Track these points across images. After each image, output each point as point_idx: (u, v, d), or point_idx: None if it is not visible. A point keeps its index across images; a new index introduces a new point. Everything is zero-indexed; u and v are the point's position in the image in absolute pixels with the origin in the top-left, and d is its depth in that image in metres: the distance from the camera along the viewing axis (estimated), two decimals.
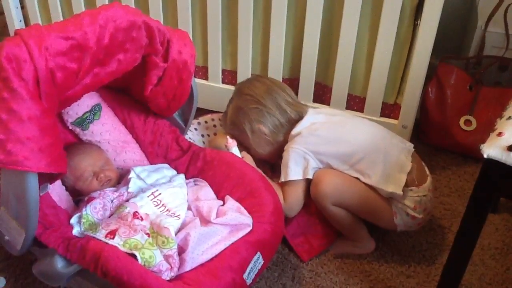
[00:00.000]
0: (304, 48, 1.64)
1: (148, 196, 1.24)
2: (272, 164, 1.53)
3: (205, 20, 1.73)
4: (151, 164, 1.40)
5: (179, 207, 1.23)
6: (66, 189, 1.26)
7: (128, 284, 0.99)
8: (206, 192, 1.29)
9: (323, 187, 1.30)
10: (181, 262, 1.10)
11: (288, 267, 1.36)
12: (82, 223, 1.16)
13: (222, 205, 1.24)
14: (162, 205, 1.23)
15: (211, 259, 1.11)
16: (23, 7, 2.07)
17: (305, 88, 1.71)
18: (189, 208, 1.26)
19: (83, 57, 1.02)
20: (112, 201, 1.24)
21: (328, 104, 1.72)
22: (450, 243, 1.13)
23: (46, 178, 1.06)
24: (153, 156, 1.41)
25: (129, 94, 1.42)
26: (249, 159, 1.43)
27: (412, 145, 1.40)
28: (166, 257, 1.09)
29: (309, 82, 1.70)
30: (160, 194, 1.25)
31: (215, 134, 1.66)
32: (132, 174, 1.31)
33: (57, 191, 1.22)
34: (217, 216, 1.19)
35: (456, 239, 0.99)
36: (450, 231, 1.47)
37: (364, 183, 1.31)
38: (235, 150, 1.40)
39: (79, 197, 1.28)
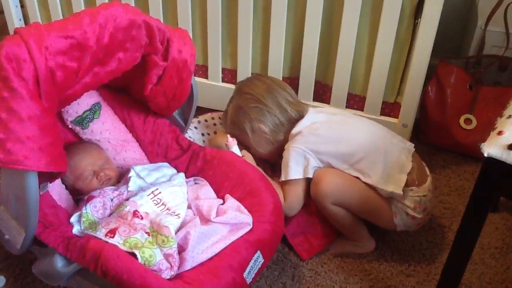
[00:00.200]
0: (304, 47, 1.64)
1: (148, 195, 1.24)
2: (272, 163, 1.53)
3: (205, 19, 1.73)
4: (151, 163, 1.40)
5: (179, 206, 1.23)
6: (66, 188, 1.26)
7: (128, 283, 0.99)
8: (206, 191, 1.29)
9: (323, 186, 1.30)
10: (181, 261, 1.10)
11: (288, 266, 1.36)
12: (82, 222, 1.16)
13: (222, 204, 1.24)
14: (162, 204, 1.23)
15: (211, 258, 1.11)
16: (22, 5, 2.07)
17: (305, 87, 1.71)
18: (189, 207, 1.26)
19: (83, 56, 1.01)
20: (112, 200, 1.24)
21: (328, 103, 1.72)
22: (450, 242, 1.13)
23: (46, 177, 1.06)
24: (153, 155, 1.41)
25: (129, 93, 1.42)
26: (249, 158, 1.43)
27: (413, 145, 1.40)
28: (166, 256, 1.09)
29: (309, 81, 1.70)
30: (160, 193, 1.25)
31: (215, 133, 1.66)
32: (132, 173, 1.31)
33: (57, 190, 1.22)
34: (217, 215, 1.19)
35: (456, 238, 0.99)
36: (450, 230, 1.47)
37: (364, 182, 1.31)
38: (235, 149, 1.39)
39: (79, 196, 1.28)
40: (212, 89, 1.83)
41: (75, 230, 1.15)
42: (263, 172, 1.36)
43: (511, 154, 0.83)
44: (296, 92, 1.65)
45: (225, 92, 1.60)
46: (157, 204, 1.23)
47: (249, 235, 1.15)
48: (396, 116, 1.66)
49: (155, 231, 1.14)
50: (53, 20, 1.86)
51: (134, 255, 1.05)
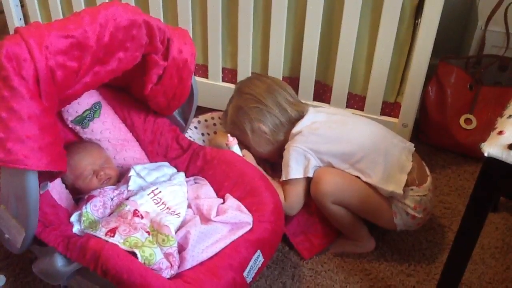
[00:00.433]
0: (304, 47, 1.64)
1: (148, 194, 1.24)
2: (272, 163, 1.53)
3: (205, 18, 1.73)
4: (151, 162, 1.40)
5: (179, 205, 1.23)
6: (66, 188, 1.26)
7: (128, 283, 0.99)
8: (206, 190, 1.29)
9: (323, 185, 1.31)
10: (181, 260, 1.10)
11: (288, 265, 1.36)
12: (82, 221, 1.16)
13: (222, 203, 1.24)
14: (162, 203, 1.23)
15: (211, 257, 1.11)
16: (23, 5, 2.07)
17: (305, 86, 1.71)
18: (189, 206, 1.26)
19: (83, 55, 1.01)
20: (112, 199, 1.24)
21: (328, 102, 1.72)
22: (450, 242, 1.13)
23: (46, 177, 1.06)
24: (153, 154, 1.41)
25: (129, 93, 1.42)
26: (250, 158, 1.43)
27: (413, 145, 1.40)
28: (166, 255, 1.09)
29: (309, 80, 1.70)
30: (160, 192, 1.25)
31: (215, 132, 1.66)
32: (132, 172, 1.31)
33: (57, 190, 1.21)
34: (217, 214, 1.19)
35: (456, 238, 0.99)
36: (450, 230, 1.47)
37: (364, 182, 1.31)
38: (236, 148, 1.40)
39: (79, 196, 1.28)
40: (212, 88, 1.83)
41: (75, 229, 1.15)
42: (264, 172, 1.36)
43: (511, 154, 0.83)
44: (296, 92, 1.65)
45: (225, 92, 1.60)
46: (157, 203, 1.23)
47: (249, 235, 1.15)
48: (396, 116, 1.66)
49: (155, 230, 1.14)
50: (53, 19, 1.86)
51: (134, 254, 1.05)
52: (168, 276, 1.06)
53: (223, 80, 1.85)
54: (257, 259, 1.12)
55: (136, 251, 1.06)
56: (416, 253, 1.40)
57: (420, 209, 1.31)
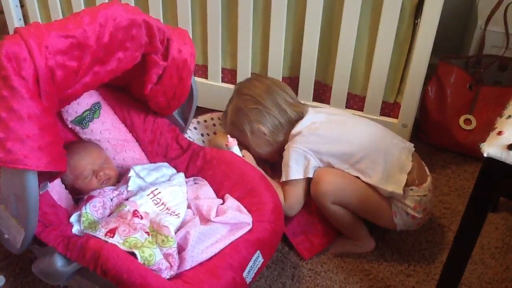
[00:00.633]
0: (304, 47, 1.64)
1: (147, 195, 1.24)
2: (272, 163, 1.53)
3: (205, 19, 1.73)
4: (151, 162, 1.40)
5: (178, 206, 1.23)
6: (66, 188, 1.26)
7: (128, 283, 0.99)
8: (206, 190, 1.29)
9: (323, 185, 1.31)
10: (181, 260, 1.10)
11: (287, 265, 1.36)
12: (81, 221, 1.16)
13: (222, 204, 1.24)
14: (162, 203, 1.23)
15: (211, 258, 1.11)
16: (22, 5, 2.07)
17: (305, 87, 1.71)
18: (189, 207, 1.26)
19: (83, 55, 1.01)
20: (111, 199, 1.24)
21: (328, 103, 1.72)
22: (450, 242, 1.13)
23: (45, 177, 1.06)
24: (153, 155, 1.41)
25: (128, 93, 1.42)
26: (249, 158, 1.43)
27: (413, 145, 1.40)
28: (166, 256, 1.09)
29: (309, 81, 1.70)
30: (159, 192, 1.25)
31: (214, 133, 1.66)
32: (131, 173, 1.31)
33: (56, 190, 1.21)
34: (217, 214, 1.19)
35: (456, 238, 0.99)
36: (449, 230, 1.47)
37: (364, 182, 1.31)
38: (235, 149, 1.40)
39: (79, 196, 1.28)
40: (211, 89, 1.83)
41: (75, 229, 1.15)
42: (263, 172, 1.36)
43: (510, 154, 0.83)
44: (296, 92, 1.65)
45: (225, 92, 1.60)
46: (156, 204, 1.23)
47: (249, 235, 1.15)
48: (396, 116, 1.66)
49: (155, 230, 1.14)
50: (53, 19, 1.86)
51: (133, 254, 1.05)
52: (167, 277, 1.06)
53: (222, 81, 1.85)
54: (257, 260, 1.12)
55: (136, 251, 1.06)
56: (415, 253, 1.40)
57: (420, 209, 1.31)
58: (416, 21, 1.54)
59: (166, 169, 1.36)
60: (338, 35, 1.58)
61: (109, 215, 1.20)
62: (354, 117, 1.49)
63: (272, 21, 1.63)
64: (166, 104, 1.33)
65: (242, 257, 1.10)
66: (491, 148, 0.84)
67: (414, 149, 1.39)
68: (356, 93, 1.70)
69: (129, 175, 1.30)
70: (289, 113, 1.43)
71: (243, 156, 1.40)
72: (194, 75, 1.55)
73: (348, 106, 1.72)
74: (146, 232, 1.13)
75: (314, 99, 1.75)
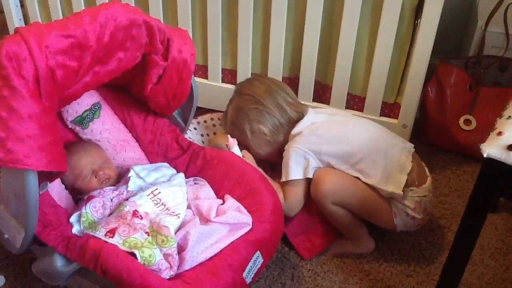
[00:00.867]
0: (304, 47, 1.64)
1: (147, 195, 1.24)
2: (272, 163, 1.53)
3: (205, 19, 1.73)
4: (150, 163, 1.40)
5: (178, 206, 1.23)
6: (66, 188, 1.26)
7: (127, 283, 0.99)
8: (206, 191, 1.29)
9: (323, 186, 1.31)
10: (181, 261, 1.10)
11: (287, 266, 1.36)
12: (81, 221, 1.16)
13: (222, 204, 1.24)
14: (162, 204, 1.23)
15: (211, 258, 1.11)
16: (22, 5, 2.06)
17: (305, 87, 1.71)
18: (188, 207, 1.26)
19: (83, 55, 1.01)
20: (111, 199, 1.24)
21: (328, 103, 1.72)
22: (450, 243, 1.13)
23: (45, 177, 1.06)
24: (153, 155, 1.41)
25: (129, 93, 1.42)
26: (249, 158, 1.43)
27: (413, 145, 1.40)
28: (166, 256, 1.09)
29: (309, 81, 1.70)
30: (159, 193, 1.25)
31: (214, 133, 1.66)
32: (131, 173, 1.31)
33: (56, 190, 1.22)
34: (217, 215, 1.19)
35: (455, 239, 0.99)
36: (449, 231, 1.47)
37: (364, 182, 1.31)
38: (236, 149, 1.40)
39: (79, 196, 1.28)
40: (212, 89, 1.83)
41: (75, 230, 1.15)
42: (263, 172, 1.36)
43: (510, 154, 0.83)
44: (296, 92, 1.65)
45: (225, 93, 1.60)
46: (156, 204, 1.23)
47: (249, 235, 1.15)
48: (396, 117, 1.66)
49: (155, 231, 1.14)
50: (53, 19, 1.86)
51: (133, 255, 1.05)
52: (167, 277, 1.06)
53: (222, 81, 1.85)
54: (257, 260, 1.12)
55: (136, 251, 1.06)
56: (415, 254, 1.40)
57: (420, 210, 1.31)
58: (416, 22, 1.54)
59: (166, 169, 1.36)
60: (338, 36, 1.58)
61: (109, 215, 1.20)
62: (354, 117, 1.49)
63: (272, 21, 1.63)
64: (166, 104, 1.33)
65: (242, 257, 1.10)
66: (491, 149, 0.84)
67: (414, 149, 1.39)
68: (356, 93, 1.70)
69: (129, 175, 1.30)
70: (289, 113, 1.43)
71: (243, 156, 1.40)
72: (194, 75, 1.55)
73: (348, 106, 1.72)
74: (146, 232, 1.13)
75: (314, 100, 1.75)
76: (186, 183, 1.32)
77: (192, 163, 1.37)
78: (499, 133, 0.87)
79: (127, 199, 1.23)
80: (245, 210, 1.20)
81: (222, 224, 1.17)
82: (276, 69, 1.71)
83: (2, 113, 0.92)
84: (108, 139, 1.39)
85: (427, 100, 1.78)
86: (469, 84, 1.75)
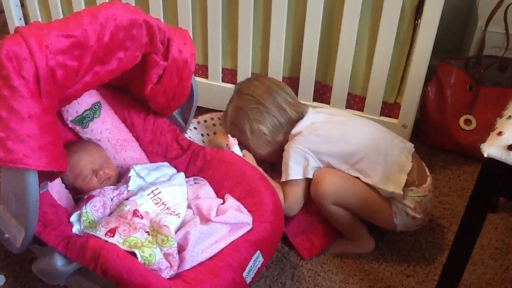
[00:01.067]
0: (304, 47, 1.64)
1: (148, 195, 1.24)
2: (272, 163, 1.53)
3: (205, 19, 1.73)
4: (151, 162, 1.40)
5: (179, 206, 1.23)
6: (66, 187, 1.26)
7: (128, 282, 0.99)
8: (206, 190, 1.29)
9: (324, 186, 1.31)
10: (181, 260, 1.10)
11: (287, 266, 1.36)
12: (82, 221, 1.16)
13: (222, 204, 1.24)
14: (162, 203, 1.23)
15: (211, 258, 1.11)
16: (23, 5, 2.07)
17: (305, 87, 1.71)
18: (189, 207, 1.26)
19: (83, 55, 1.01)
20: (112, 199, 1.24)
21: (328, 103, 1.72)
22: (450, 243, 1.13)
23: (45, 176, 1.06)
24: (153, 154, 1.41)
25: (129, 93, 1.42)
26: (250, 158, 1.43)
27: (413, 145, 1.40)
28: (166, 256, 1.09)
29: (309, 81, 1.70)
30: (160, 192, 1.25)
31: (214, 133, 1.66)
32: (132, 173, 1.31)
33: (57, 189, 1.22)
34: (217, 214, 1.19)
35: (455, 239, 0.99)
36: (449, 231, 1.47)
37: (364, 182, 1.31)
38: (236, 149, 1.40)
39: (79, 196, 1.28)
40: (212, 89, 1.83)
41: (75, 229, 1.15)
42: (263, 172, 1.36)
43: (510, 154, 0.83)
44: (296, 92, 1.65)
45: (225, 92, 1.60)
46: (157, 204, 1.23)
47: (249, 235, 1.15)
48: (396, 117, 1.66)
49: (155, 230, 1.14)
50: (53, 19, 1.86)
51: (134, 254, 1.05)
52: (167, 276, 1.06)
53: (223, 81, 1.85)
54: (257, 259, 1.12)
55: (136, 251, 1.06)
56: (415, 254, 1.40)
57: (420, 210, 1.31)
58: (416, 22, 1.54)
59: (166, 169, 1.36)
60: (339, 35, 1.58)
61: (109, 215, 1.20)
62: (354, 117, 1.49)
63: (272, 21, 1.63)
64: (166, 104, 1.33)
65: (242, 257, 1.10)
66: (491, 149, 0.84)
67: (414, 149, 1.39)
68: (356, 93, 1.70)
69: (129, 175, 1.31)
70: (289, 113, 1.43)
71: (243, 156, 1.40)
72: (195, 75, 1.55)
73: (348, 106, 1.72)
74: (146, 232, 1.13)
75: (314, 99, 1.75)
76: (186, 182, 1.32)
77: (192, 163, 1.37)
78: (499, 133, 0.87)
79: (127, 199, 1.23)
80: (245, 210, 1.20)
81: (222, 224, 1.17)
82: (276, 69, 1.71)
83: (2, 113, 0.92)
84: (108, 139, 1.39)
85: (427, 100, 1.78)
86: (469, 84, 1.75)
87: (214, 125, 1.68)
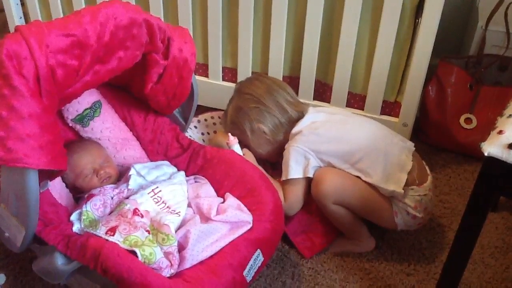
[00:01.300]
0: (304, 46, 1.64)
1: (148, 193, 1.24)
2: (273, 162, 1.53)
3: (206, 17, 1.73)
4: (151, 161, 1.40)
5: (179, 204, 1.23)
6: (66, 186, 1.26)
7: (128, 281, 0.99)
8: (206, 189, 1.29)
9: (324, 186, 1.30)
10: (181, 259, 1.10)
11: (288, 264, 1.36)
12: (82, 220, 1.16)
13: (222, 203, 1.24)
14: (162, 202, 1.23)
15: (211, 257, 1.11)
16: (23, 4, 2.07)
17: (306, 86, 1.71)
18: (189, 205, 1.26)
19: (83, 54, 1.01)
20: (112, 198, 1.24)
21: (329, 102, 1.72)
22: (450, 242, 1.13)
23: (46, 176, 1.06)
24: (153, 153, 1.41)
25: (129, 92, 1.42)
26: (250, 157, 1.43)
27: (413, 144, 1.40)
28: (166, 254, 1.09)
29: (310, 80, 1.70)
30: (160, 191, 1.25)
31: (215, 132, 1.66)
32: (132, 171, 1.31)
33: (57, 188, 1.22)
34: (217, 213, 1.19)
35: (456, 238, 0.99)
36: (450, 230, 1.47)
37: (365, 182, 1.31)
38: (236, 148, 1.40)
39: (79, 195, 1.28)
40: (212, 88, 1.83)
41: (75, 228, 1.15)
42: (264, 171, 1.36)
43: (511, 153, 0.83)
44: (297, 91, 1.65)
45: (226, 91, 1.60)
46: (157, 202, 1.23)
47: (249, 234, 1.15)
48: (397, 116, 1.66)
49: (155, 229, 1.14)
50: (53, 18, 1.86)
51: (134, 253, 1.05)
52: (168, 275, 1.06)
53: (223, 79, 1.85)
54: (257, 258, 1.12)
55: (136, 250, 1.06)
56: (416, 253, 1.40)
57: (421, 209, 1.31)
58: (416, 21, 1.54)
59: (166, 168, 1.36)
60: (339, 34, 1.58)
61: (109, 214, 1.20)
62: (355, 116, 1.49)
63: (272, 20, 1.63)
64: (166, 103, 1.33)
65: (242, 256, 1.10)
66: (492, 148, 0.84)
67: (414, 148, 1.39)
68: (356, 92, 1.70)
69: (129, 174, 1.31)
70: (289, 112, 1.43)
71: (243, 155, 1.40)
72: (195, 74, 1.55)
73: (349, 105, 1.72)
74: (147, 231, 1.13)
75: (315, 98, 1.75)
76: (186, 181, 1.32)
77: (193, 162, 1.37)
78: (500, 132, 0.87)
79: (127, 197, 1.23)
80: (245, 209, 1.20)
81: (222, 223, 1.17)
82: (277, 68, 1.71)
83: (2, 112, 0.92)
84: (109, 138, 1.39)
85: (427, 100, 1.78)
86: (469, 84, 1.75)
87: (214, 124, 1.68)
